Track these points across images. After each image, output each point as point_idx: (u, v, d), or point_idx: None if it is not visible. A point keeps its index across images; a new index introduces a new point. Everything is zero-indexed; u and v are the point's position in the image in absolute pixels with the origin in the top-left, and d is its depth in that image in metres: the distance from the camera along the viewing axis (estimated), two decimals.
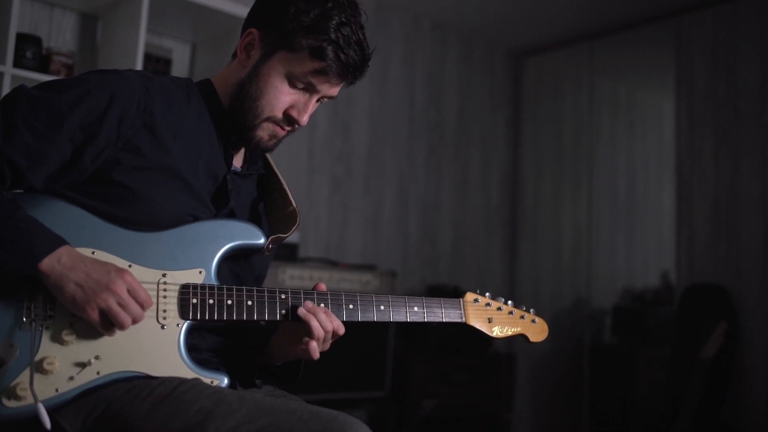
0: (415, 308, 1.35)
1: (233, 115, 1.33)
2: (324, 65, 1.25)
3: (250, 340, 1.38)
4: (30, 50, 2.46)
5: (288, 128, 1.34)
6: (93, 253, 1.16)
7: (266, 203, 1.47)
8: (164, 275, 1.20)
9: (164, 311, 1.19)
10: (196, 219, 1.25)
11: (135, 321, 1.13)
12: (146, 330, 1.17)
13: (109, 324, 1.12)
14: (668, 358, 3.51)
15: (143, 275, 1.19)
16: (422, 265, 4.01)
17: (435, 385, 3.36)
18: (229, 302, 1.22)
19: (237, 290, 1.23)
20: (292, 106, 1.31)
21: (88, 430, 1.12)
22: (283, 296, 1.26)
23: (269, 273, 2.83)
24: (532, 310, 1.47)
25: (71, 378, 1.12)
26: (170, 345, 1.18)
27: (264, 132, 1.32)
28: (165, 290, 1.19)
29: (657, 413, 3.53)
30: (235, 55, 1.36)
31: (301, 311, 1.24)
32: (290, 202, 1.43)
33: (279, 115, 1.31)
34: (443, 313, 1.38)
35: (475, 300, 1.42)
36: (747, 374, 3.28)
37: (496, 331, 1.42)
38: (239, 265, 1.34)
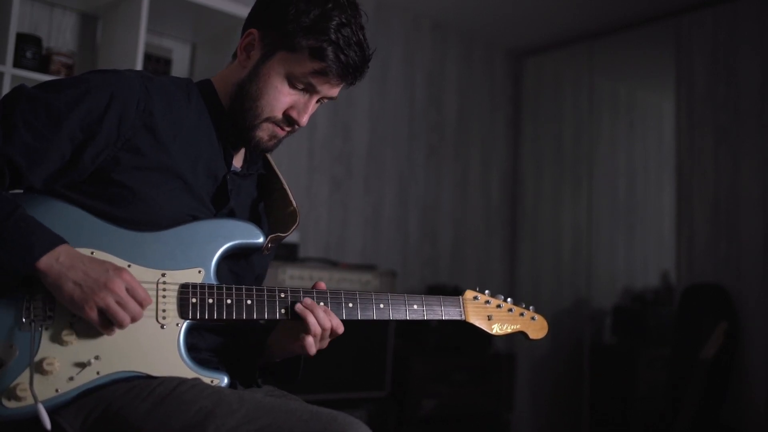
0: (415, 306, 1.35)
1: (233, 115, 1.33)
2: (324, 66, 1.25)
3: (249, 339, 1.38)
4: (30, 50, 2.46)
5: (288, 129, 1.34)
6: (92, 253, 1.16)
7: (266, 203, 1.47)
8: (163, 275, 1.20)
9: (164, 311, 1.19)
10: (195, 219, 1.25)
11: (134, 319, 1.13)
12: (146, 330, 1.17)
13: (108, 323, 1.12)
14: (668, 358, 3.51)
15: (142, 275, 1.19)
16: (422, 265, 4.01)
17: (435, 385, 3.36)
18: (229, 301, 1.22)
19: (236, 289, 1.23)
20: (291, 107, 1.31)
21: (88, 431, 1.12)
22: (282, 295, 1.26)
23: (269, 273, 2.83)
24: (531, 308, 1.48)
25: (71, 378, 1.12)
26: (170, 345, 1.18)
27: (264, 132, 1.32)
28: (164, 290, 1.19)
29: (657, 413, 3.53)
30: (235, 56, 1.36)
31: (299, 307, 1.24)
32: (290, 201, 1.43)
33: (279, 115, 1.31)
34: (443, 311, 1.38)
35: (475, 297, 1.42)
36: (747, 374, 3.28)
37: (496, 329, 1.43)
38: (239, 265, 1.34)
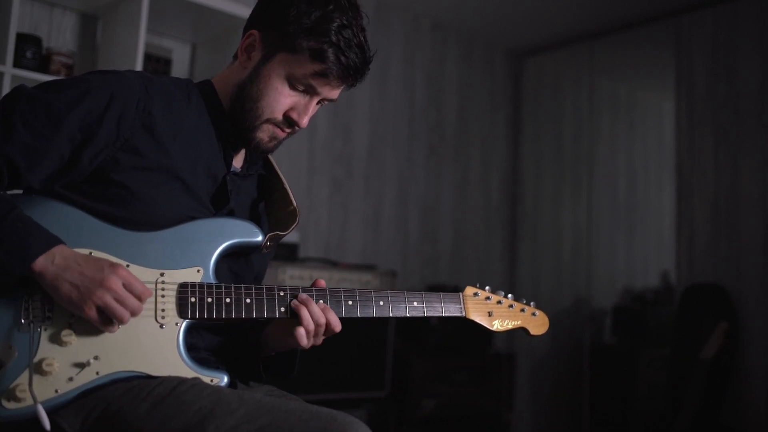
0: (415, 303, 1.35)
1: (233, 116, 1.33)
2: (324, 67, 1.25)
3: (248, 337, 1.38)
4: (30, 50, 2.46)
5: (288, 130, 1.34)
6: (90, 253, 1.16)
7: (267, 203, 1.47)
8: (162, 274, 1.20)
9: (163, 310, 1.19)
10: (194, 219, 1.25)
11: (134, 314, 1.13)
12: (145, 329, 1.17)
13: (108, 320, 1.12)
14: (668, 358, 3.51)
15: (141, 275, 1.19)
16: (422, 265, 4.01)
17: (435, 385, 3.36)
18: (228, 300, 1.22)
19: (235, 288, 1.23)
20: (292, 108, 1.31)
21: (87, 431, 1.12)
22: (281, 293, 1.26)
23: (269, 273, 2.84)
24: (532, 303, 1.48)
25: (70, 379, 1.12)
26: (169, 344, 1.18)
27: (264, 133, 1.32)
28: (163, 289, 1.20)
29: (657, 413, 3.53)
30: (235, 57, 1.36)
31: (294, 303, 1.25)
32: (291, 201, 1.43)
33: (279, 116, 1.31)
34: (443, 308, 1.38)
35: (475, 294, 1.42)
36: (747, 374, 3.28)
37: (497, 325, 1.42)
38: (238, 264, 1.34)
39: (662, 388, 3.51)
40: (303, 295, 1.26)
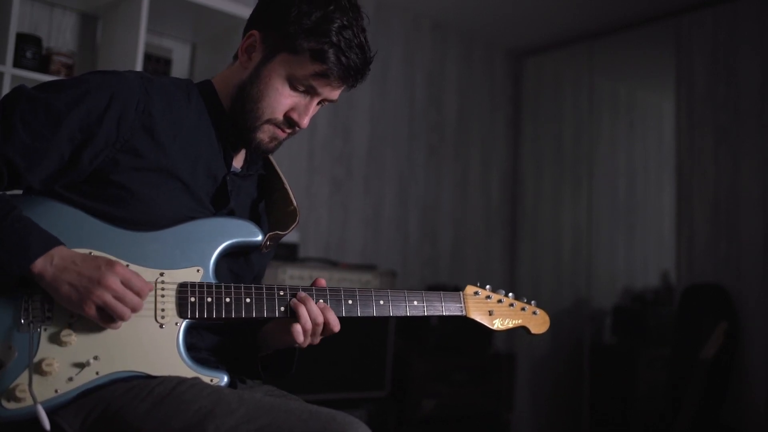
0: (415, 302, 1.35)
1: (234, 116, 1.33)
2: (325, 68, 1.25)
3: (248, 337, 1.38)
4: (30, 50, 2.46)
5: (289, 131, 1.34)
6: (90, 253, 1.16)
7: (267, 203, 1.47)
8: (162, 274, 1.20)
9: (162, 310, 1.19)
10: (194, 219, 1.25)
11: (134, 310, 1.13)
12: (145, 329, 1.17)
13: (109, 318, 1.12)
14: (668, 358, 3.51)
15: (141, 275, 1.18)
16: (422, 265, 4.01)
17: (435, 385, 3.36)
18: (228, 300, 1.22)
19: (235, 288, 1.23)
20: (292, 109, 1.31)
21: (87, 431, 1.12)
22: (281, 293, 1.26)
23: (269, 273, 2.83)
24: (533, 302, 1.48)
25: (70, 379, 1.12)
26: (169, 344, 1.18)
27: (264, 134, 1.32)
28: (163, 289, 1.20)
29: (657, 413, 3.53)
30: (236, 57, 1.36)
31: (293, 301, 1.25)
32: (291, 201, 1.43)
33: (280, 117, 1.31)
34: (443, 307, 1.38)
35: (475, 293, 1.42)
36: (747, 374, 3.28)
37: (497, 324, 1.42)
38: (238, 263, 1.34)
39: (662, 388, 3.51)
40: (302, 294, 1.26)
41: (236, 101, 1.32)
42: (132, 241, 1.19)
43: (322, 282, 1.32)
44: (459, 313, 1.39)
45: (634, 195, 4.40)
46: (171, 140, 1.25)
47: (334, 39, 1.24)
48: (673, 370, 3.43)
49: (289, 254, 3.06)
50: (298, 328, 1.23)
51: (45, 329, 1.13)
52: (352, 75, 1.29)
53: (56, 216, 1.17)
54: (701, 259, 3.55)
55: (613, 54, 4.23)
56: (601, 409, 3.94)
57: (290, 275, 2.90)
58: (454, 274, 4.14)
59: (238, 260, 1.33)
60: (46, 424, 1.06)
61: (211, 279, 1.23)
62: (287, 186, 1.45)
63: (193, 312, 1.20)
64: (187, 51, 3.10)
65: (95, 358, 1.14)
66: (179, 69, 3.04)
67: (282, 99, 1.29)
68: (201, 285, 1.21)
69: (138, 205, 1.20)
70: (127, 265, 1.18)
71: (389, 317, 1.38)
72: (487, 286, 1.44)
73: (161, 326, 1.18)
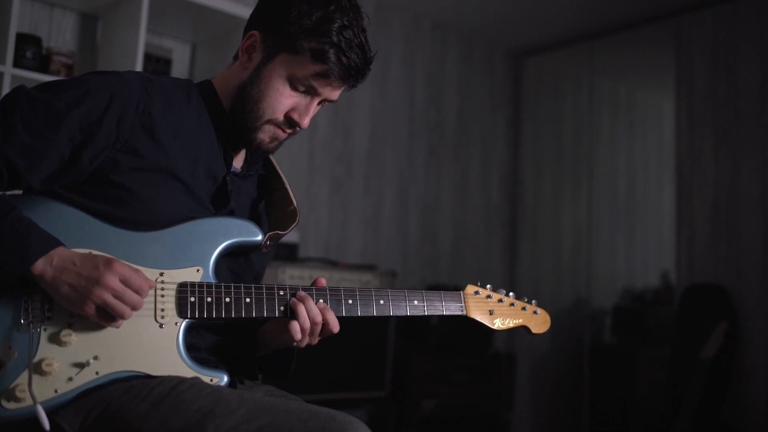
0: (415, 302, 1.35)
1: (234, 116, 1.33)
2: (326, 68, 1.26)
3: (248, 335, 1.38)
4: (30, 50, 2.46)
5: (289, 131, 1.34)
6: (90, 253, 1.16)
7: (267, 203, 1.47)
8: (162, 274, 1.20)
9: (162, 310, 1.19)
10: (194, 219, 1.25)
11: (134, 308, 1.13)
12: (145, 329, 1.17)
13: (109, 317, 1.12)
14: (668, 358, 3.51)
15: None
16: (422, 265, 4.01)
17: (435, 385, 3.36)
18: (227, 300, 1.22)
19: (235, 287, 1.23)
20: (293, 109, 1.31)
21: (87, 431, 1.12)
22: (281, 293, 1.26)
23: (269, 273, 2.83)
24: (534, 302, 1.47)
25: (70, 379, 1.12)
26: (169, 344, 1.18)
27: (265, 134, 1.32)
28: (163, 289, 1.20)
29: (657, 413, 3.53)
30: (236, 57, 1.36)
31: (292, 300, 1.25)
32: (291, 201, 1.42)
33: (280, 117, 1.31)
34: (444, 307, 1.38)
35: (476, 292, 1.41)
36: (747, 374, 3.28)
37: (498, 323, 1.42)
38: (238, 263, 1.34)
39: (662, 388, 3.51)
40: (301, 293, 1.26)
41: (236, 101, 1.32)
42: (132, 241, 1.19)
43: (323, 282, 1.32)
44: (459, 313, 1.39)
45: (634, 195, 4.40)
46: (171, 140, 1.25)
47: (335, 39, 1.24)
48: (673, 370, 3.43)
49: (289, 254, 3.06)
50: (295, 325, 1.23)
51: (45, 329, 1.13)
52: (352, 75, 1.29)
53: (56, 216, 1.17)
54: (701, 259, 3.55)
55: (613, 54, 4.23)
56: (601, 409, 3.94)
57: (290, 275, 2.90)
58: (454, 274, 4.14)
59: (238, 260, 1.33)
60: (46, 424, 1.06)
61: (211, 279, 1.23)
62: (287, 186, 1.45)
63: (192, 312, 1.20)
64: (187, 51, 3.10)
65: (95, 358, 1.14)
66: (179, 69, 3.04)
67: (282, 99, 1.29)
68: (201, 285, 1.21)
69: (138, 205, 1.20)
70: None
71: (389, 317, 1.37)
72: (488, 286, 1.44)
73: (161, 326, 1.18)
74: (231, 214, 1.33)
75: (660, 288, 4.11)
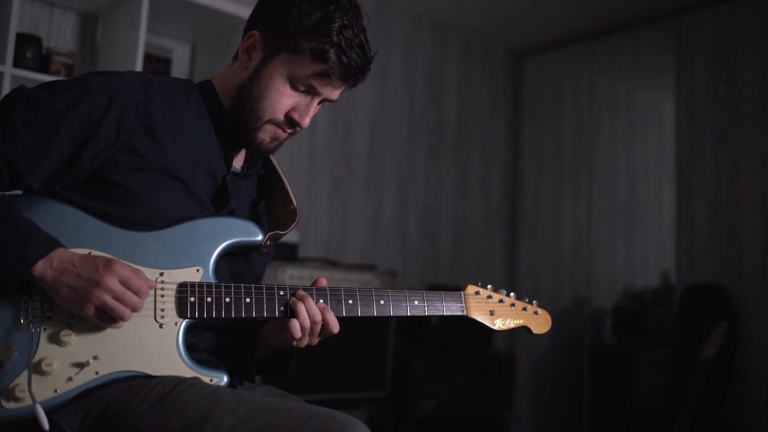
0: (416, 302, 1.35)
1: (234, 116, 1.33)
2: (326, 68, 1.26)
3: (247, 336, 1.38)
4: (30, 50, 2.46)
5: (289, 130, 1.34)
6: (90, 253, 1.16)
7: (267, 203, 1.47)
8: (162, 274, 1.20)
9: (162, 310, 1.19)
10: (194, 219, 1.25)
11: (134, 310, 1.13)
12: (144, 329, 1.17)
13: (109, 318, 1.12)
14: (668, 358, 3.51)
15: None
16: (422, 265, 4.01)
17: (435, 385, 3.36)
18: (227, 300, 1.22)
19: (235, 287, 1.23)
20: (293, 109, 1.31)
21: (86, 431, 1.12)
22: (281, 293, 1.26)
23: (269, 273, 2.83)
24: (534, 302, 1.47)
25: (70, 379, 1.12)
26: (169, 344, 1.18)
27: (265, 134, 1.32)
28: (163, 289, 1.19)
29: (657, 413, 3.53)
30: (236, 57, 1.36)
31: (292, 299, 1.24)
32: (291, 200, 1.42)
33: (280, 117, 1.31)
34: (444, 307, 1.37)
35: (477, 293, 1.41)
36: (747, 374, 3.28)
37: (498, 324, 1.42)
38: (238, 263, 1.34)
39: (662, 388, 3.51)
40: (301, 292, 1.26)
41: (237, 101, 1.32)
42: (132, 241, 1.19)
43: (323, 282, 1.32)
44: (460, 313, 1.39)
45: (634, 195, 4.40)
46: (171, 140, 1.25)
47: (335, 39, 1.24)
48: (673, 370, 3.43)
49: (289, 254, 3.06)
50: (295, 324, 1.22)
51: (45, 329, 1.13)
52: (352, 74, 1.29)
53: (56, 216, 1.17)
54: (701, 259, 3.55)
55: (613, 54, 4.23)
56: (601, 409, 3.94)
57: (290, 275, 2.90)
58: (454, 274, 4.14)
59: (238, 260, 1.33)
60: (45, 424, 1.06)
61: (211, 279, 1.23)
62: (287, 185, 1.45)
63: (192, 312, 1.20)
64: (187, 51, 3.10)
65: (95, 358, 1.14)
66: (179, 69, 3.04)
67: (283, 99, 1.29)
68: (201, 285, 1.21)
69: (138, 205, 1.20)
70: None
71: (389, 317, 1.37)
72: (489, 286, 1.43)
73: (161, 326, 1.18)
74: (231, 214, 1.33)
75: (660, 288, 4.11)
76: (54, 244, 1.12)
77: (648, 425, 3.68)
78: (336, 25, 1.24)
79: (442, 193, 4.14)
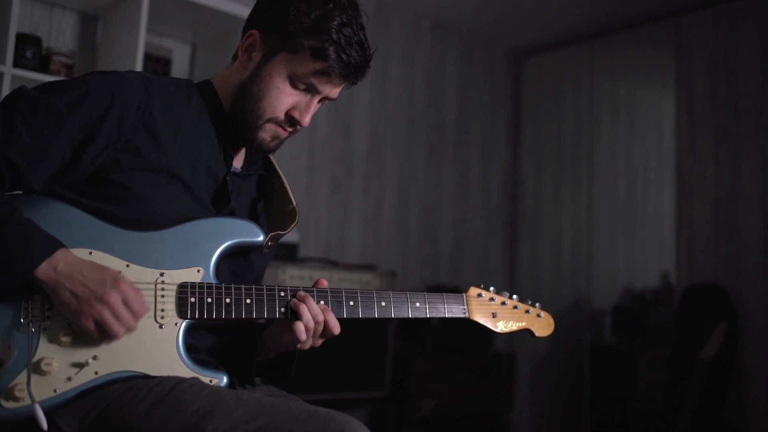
0: (417, 304, 1.34)
1: (234, 116, 1.33)
2: (326, 66, 1.26)
3: (248, 338, 1.38)
4: (30, 50, 2.46)
5: (290, 129, 1.34)
6: (90, 253, 1.16)
7: (267, 203, 1.47)
8: (162, 274, 1.20)
9: (162, 311, 1.19)
10: (194, 219, 1.25)
11: (128, 330, 1.13)
12: (144, 330, 1.17)
13: (103, 333, 1.12)
14: (668, 358, 3.51)
15: (141, 275, 1.18)
16: (422, 265, 4.01)
17: (435, 385, 3.36)
18: (228, 300, 1.22)
19: (235, 288, 1.23)
20: (293, 107, 1.31)
21: (86, 431, 1.12)
22: (282, 294, 1.26)
23: (269, 273, 2.83)
24: (537, 305, 1.46)
25: (69, 378, 1.12)
26: (168, 344, 1.18)
27: (266, 133, 1.32)
28: (163, 289, 1.19)
29: (657, 413, 3.53)
30: (235, 57, 1.36)
31: (293, 302, 1.24)
32: (290, 200, 1.42)
33: (281, 116, 1.31)
34: (446, 309, 1.37)
35: (479, 295, 1.40)
36: (747, 374, 3.28)
37: (501, 326, 1.41)
38: (238, 264, 1.34)
39: (662, 388, 3.51)
40: (301, 293, 1.26)
41: (237, 101, 1.32)
42: (132, 241, 1.19)
43: (324, 283, 1.32)
44: (462, 315, 1.38)
45: (634, 195, 4.40)
46: (172, 140, 1.25)
47: (334, 36, 1.24)
48: (673, 370, 3.43)
49: (289, 254, 3.06)
50: (300, 326, 1.22)
51: (44, 329, 1.13)
52: (352, 72, 1.29)
53: (57, 216, 1.17)
54: (701, 259, 3.55)
55: (613, 54, 4.23)
56: (601, 409, 3.94)
57: (290, 275, 2.90)
58: (454, 274, 4.14)
59: (238, 260, 1.33)
60: (44, 424, 1.06)
61: (211, 279, 1.23)
62: (286, 185, 1.45)
63: (193, 312, 1.20)
64: (187, 51, 3.10)
65: (94, 358, 1.14)
66: (179, 69, 3.04)
67: (283, 97, 1.29)
68: (201, 285, 1.21)
69: (139, 205, 1.20)
70: (128, 265, 1.18)
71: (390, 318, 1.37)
72: (491, 288, 1.42)
73: (161, 326, 1.18)
74: (231, 214, 1.33)
75: (660, 288, 4.11)
76: (56, 244, 1.12)
77: (648, 425, 3.68)
78: (335, 23, 1.25)
79: (442, 193, 4.14)
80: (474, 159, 4.34)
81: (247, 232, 1.28)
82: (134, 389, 1.13)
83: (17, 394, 1.09)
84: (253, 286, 1.24)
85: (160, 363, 1.17)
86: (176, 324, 1.19)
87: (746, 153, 3.45)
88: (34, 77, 2.40)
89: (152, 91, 1.24)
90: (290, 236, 2.77)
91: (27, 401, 1.09)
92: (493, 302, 1.41)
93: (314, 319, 1.24)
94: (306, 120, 1.32)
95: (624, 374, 3.84)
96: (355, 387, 3.05)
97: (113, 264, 1.17)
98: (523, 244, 4.47)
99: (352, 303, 1.30)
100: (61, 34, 2.77)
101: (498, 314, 1.41)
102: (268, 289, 1.25)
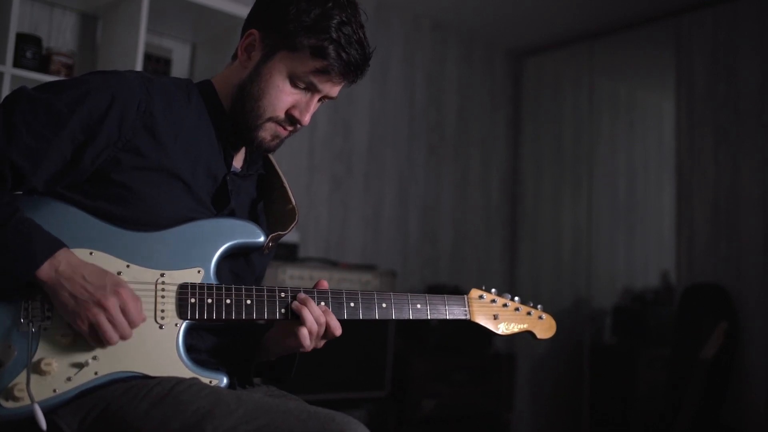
0: (418, 305, 1.34)
1: (235, 116, 1.33)
2: (326, 64, 1.26)
3: (248, 339, 1.38)
4: (30, 50, 2.46)
5: (290, 128, 1.34)
6: (91, 254, 1.16)
7: (266, 202, 1.46)
8: (162, 275, 1.20)
9: (162, 311, 1.19)
10: (195, 219, 1.25)
11: (123, 338, 1.13)
12: (144, 330, 1.17)
13: (97, 337, 1.12)
14: (668, 358, 3.51)
15: (141, 275, 1.18)
16: (422, 265, 4.01)
17: (435, 385, 3.36)
18: (228, 301, 1.22)
19: (236, 289, 1.23)
20: (294, 106, 1.31)
21: (86, 431, 1.12)
22: (282, 295, 1.25)
23: (269, 273, 2.83)
24: (539, 306, 1.46)
25: (69, 379, 1.12)
26: (168, 345, 1.18)
27: (266, 133, 1.32)
28: (163, 290, 1.19)
29: (657, 413, 3.53)
30: (235, 56, 1.36)
31: (294, 304, 1.24)
32: (290, 200, 1.42)
33: (281, 115, 1.31)
34: (447, 311, 1.37)
35: (480, 296, 1.40)
36: (747, 374, 3.28)
37: (502, 328, 1.41)
38: (239, 264, 1.33)
39: (662, 388, 3.51)
40: (302, 295, 1.25)
41: (237, 100, 1.32)
42: (133, 241, 1.19)
43: (325, 284, 1.32)
44: (463, 317, 1.38)
45: (634, 195, 4.40)
46: (172, 140, 1.25)
47: (334, 35, 1.24)
48: (673, 370, 3.43)
49: (289, 254, 3.06)
50: (304, 332, 1.23)
51: (44, 329, 1.13)
52: (352, 71, 1.29)
53: (57, 216, 1.17)
54: (701, 259, 3.55)
55: (613, 54, 4.23)
56: (601, 409, 3.94)
57: (290, 275, 2.90)
58: (454, 274, 4.14)
59: (238, 261, 1.33)
60: (43, 424, 1.06)
61: (212, 280, 1.23)
62: (286, 184, 1.45)
63: (193, 313, 1.20)
64: (187, 51, 3.10)
65: (94, 358, 1.14)
66: (179, 69, 3.04)
67: (283, 96, 1.29)
68: (201, 286, 1.21)
69: (139, 205, 1.20)
70: (128, 266, 1.18)
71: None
72: (493, 290, 1.42)
73: (161, 327, 1.18)
74: (232, 214, 1.33)
75: (660, 288, 4.11)
76: (57, 244, 1.12)
77: (648, 425, 3.68)
78: (334, 21, 1.25)
79: (442, 193, 4.14)
80: (474, 159, 4.33)
81: (248, 233, 1.28)
82: (134, 389, 1.13)
83: (17, 394, 1.09)
84: (254, 287, 1.24)
85: (159, 363, 1.17)
86: (176, 324, 1.19)
87: (746, 153, 3.44)
88: (34, 77, 2.40)
89: (152, 91, 1.24)
90: (290, 236, 2.77)
91: (27, 401, 1.09)
92: (494, 304, 1.41)
93: (316, 321, 1.24)
94: (306, 119, 1.32)
95: (624, 374, 3.84)
96: (355, 387, 3.05)
97: (113, 264, 1.17)
98: (523, 244, 4.47)
99: (352, 304, 1.29)
100: (61, 34, 2.77)
101: (499, 316, 1.41)
102: (268, 290, 1.24)
